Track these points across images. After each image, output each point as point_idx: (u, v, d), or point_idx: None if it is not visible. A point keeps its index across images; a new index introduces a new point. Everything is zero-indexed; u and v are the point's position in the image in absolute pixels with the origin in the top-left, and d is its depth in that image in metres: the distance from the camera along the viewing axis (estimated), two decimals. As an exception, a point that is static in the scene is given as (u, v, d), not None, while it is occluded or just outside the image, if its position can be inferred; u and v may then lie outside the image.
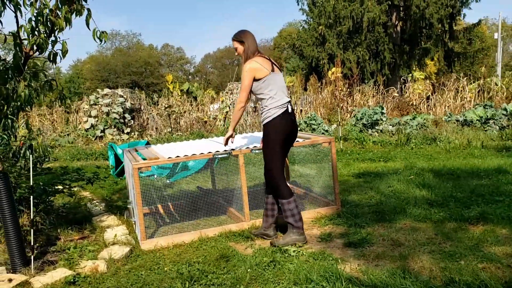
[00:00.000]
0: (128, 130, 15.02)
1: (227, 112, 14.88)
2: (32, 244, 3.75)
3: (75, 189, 4.79)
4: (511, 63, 43.46)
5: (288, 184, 3.99)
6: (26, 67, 3.67)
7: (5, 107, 3.50)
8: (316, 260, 3.39)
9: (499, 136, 9.69)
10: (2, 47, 31.64)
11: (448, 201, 4.71)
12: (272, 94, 3.79)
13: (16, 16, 3.58)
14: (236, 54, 3.98)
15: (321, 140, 4.73)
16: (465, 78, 15.98)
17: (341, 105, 15.41)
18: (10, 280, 3.38)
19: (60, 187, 4.90)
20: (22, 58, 3.62)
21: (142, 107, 16.49)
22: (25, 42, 3.64)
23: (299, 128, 4.59)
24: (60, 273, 3.48)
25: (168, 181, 7.44)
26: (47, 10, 3.61)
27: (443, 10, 19.29)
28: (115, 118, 14.60)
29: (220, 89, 25.04)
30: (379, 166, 7.23)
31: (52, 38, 3.71)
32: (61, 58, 3.79)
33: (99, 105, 14.73)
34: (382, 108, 12.14)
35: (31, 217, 3.71)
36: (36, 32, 3.59)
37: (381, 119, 11.76)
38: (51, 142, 12.93)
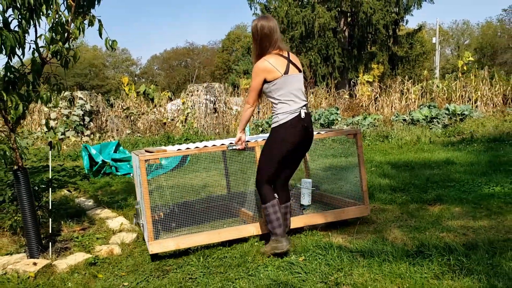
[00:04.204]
0: (88, 132, 15.11)
1: (188, 113, 15.26)
2: (50, 231, 4.12)
3: (75, 185, 5.14)
4: (447, 66, 46.14)
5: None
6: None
7: (27, 108, 3.87)
8: (306, 236, 3.97)
9: (443, 133, 10.72)
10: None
11: (408, 187, 5.47)
12: (282, 99, 3.49)
13: (35, 26, 3.94)
14: (251, 44, 3.65)
15: (345, 132, 4.45)
16: (410, 81, 17.17)
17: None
18: (35, 264, 3.73)
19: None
20: (40, 63, 4.00)
21: (101, 109, 16.58)
22: (41, 49, 4.01)
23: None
24: (80, 256, 3.87)
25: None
26: (63, 21, 4.00)
27: (388, 16, 20.57)
28: (75, 121, 14.66)
29: (168, 91, 25.23)
30: (341, 161, 7.93)
31: (66, 45, 4.10)
32: (72, 64, 4.19)
33: (59, 108, 14.73)
34: (337, 109, 12.98)
35: (49, 207, 4.08)
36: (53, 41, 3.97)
37: (337, 119, 12.59)
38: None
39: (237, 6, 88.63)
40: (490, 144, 8.80)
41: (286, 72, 3.49)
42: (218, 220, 4.22)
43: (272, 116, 3.64)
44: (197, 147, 3.92)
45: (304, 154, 3.77)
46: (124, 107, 17.50)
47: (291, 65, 3.53)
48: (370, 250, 3.43)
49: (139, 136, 15.37)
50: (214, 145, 3.97)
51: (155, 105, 18.47)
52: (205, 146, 3.95)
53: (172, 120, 16.63)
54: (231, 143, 3.96)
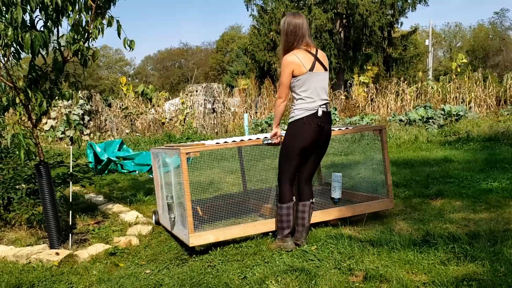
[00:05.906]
0: (88, 131, 15.24)
1: (187, 113, 15.43)
2: (70, 223, 4.29)
3: (90, 180, 5.29)
4: (440, 68, 46.57)
5: None
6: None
7: (50, 105, 4.04)
8: (316, 227, 4.17)
9: (439, 132, 10.98)
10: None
11: (409, 183, 5.70)
12: (303, 95, 3.55)
13: (57, 26, 4.11)
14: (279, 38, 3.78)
15: (371, 128, 4.61)
16: (405, 82, 17.44)
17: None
18: (57, 254, 3.90)
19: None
20: (61, 62, 4.17)
21: (100, 109, 16.70)
22: (61, 48, 4.18)
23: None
24: (100, 246, 4.04)
25: (150, 176, 7.97)
26: (83, 21, 4.16)
27: (384, 18, 20.84)
28: (75, 120, 14.78)
29: (165, 91, 25.33)
30: (342, 159, 8.15)
31: (86, 45, 4.26)
32: (92, 63, 4.36)
33: (59, 107, 14.85)
34: (335, 110, 13.19)
35: (70, 200, 4.24)
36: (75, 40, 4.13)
37: (335, 119, 12.81)
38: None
39: (232, 7, 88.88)
40: (485, 143, 9.07)
41: (311, 69, 3.54)
42: (247, 214, 4.37)
43: (289, 111, 3.72)
44: (234, 141, 4.01)
45: (322, 152, 3.79)
46: (122, 107, 17.63)
47: (317, 63, 3.57)
48: (379, 240, 3.63)
49: (139, 135, 15.52)
50: (250, 139, 4.04)
51: (153, 105, 18.61)
52: (242, 140, 4.02)
53: (171, 120, 16.79)
54: (266, 137, 3.99)
